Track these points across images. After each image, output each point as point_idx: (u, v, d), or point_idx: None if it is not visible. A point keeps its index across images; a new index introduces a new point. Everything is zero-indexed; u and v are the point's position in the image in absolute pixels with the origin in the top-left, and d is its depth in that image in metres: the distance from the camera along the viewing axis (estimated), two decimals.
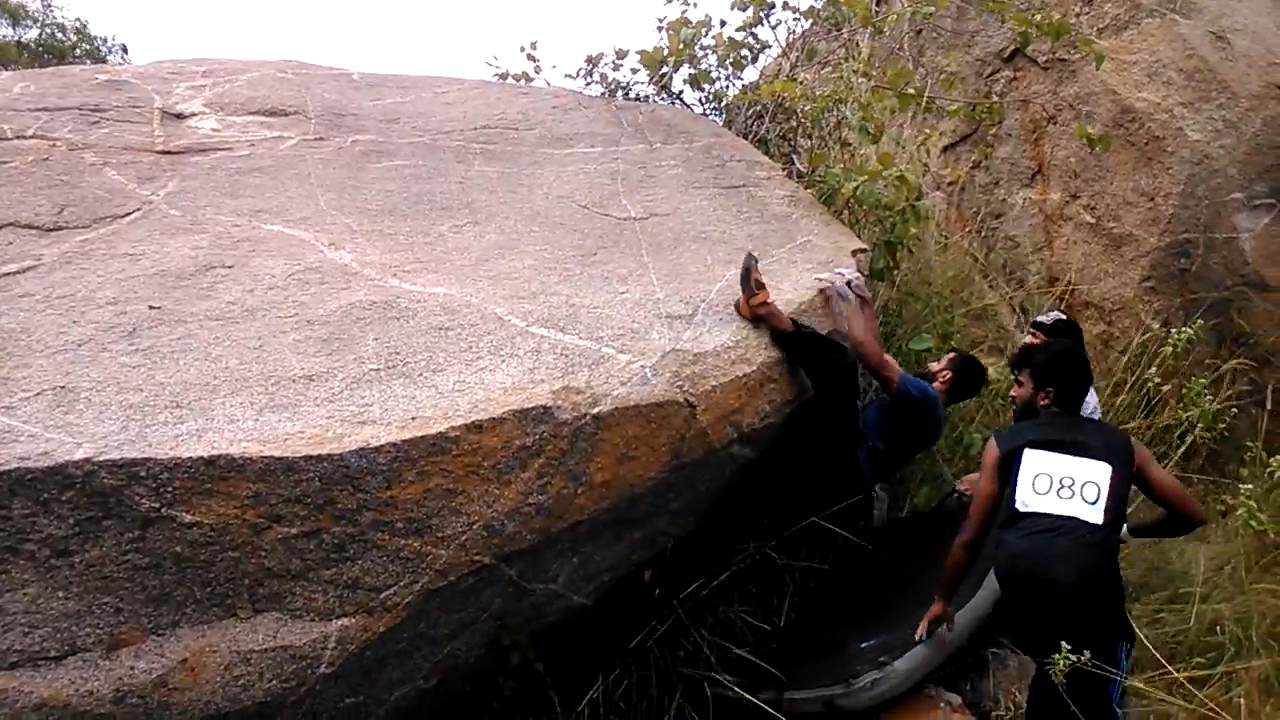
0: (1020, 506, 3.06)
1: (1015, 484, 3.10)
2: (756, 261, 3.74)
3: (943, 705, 3.33)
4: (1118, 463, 3.06)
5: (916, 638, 3.36)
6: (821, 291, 4.04)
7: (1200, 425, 5.21)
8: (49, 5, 15.21)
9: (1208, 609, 4.29)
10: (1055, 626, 2.90)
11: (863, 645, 3.59)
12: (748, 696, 3.55)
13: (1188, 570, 4.66)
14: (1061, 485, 3.00)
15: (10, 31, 14.93)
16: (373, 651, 2.89)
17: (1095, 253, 6.43)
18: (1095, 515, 2.97)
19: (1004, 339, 6.50)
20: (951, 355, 4.55)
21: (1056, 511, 2.98)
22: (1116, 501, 3.02)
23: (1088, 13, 6.47)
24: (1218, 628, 4.11)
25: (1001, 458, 3.22)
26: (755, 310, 3.70)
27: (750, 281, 3.68)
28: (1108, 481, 3.00)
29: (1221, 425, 5.22)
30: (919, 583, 3.67)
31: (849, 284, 4.00)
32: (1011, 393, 3.75)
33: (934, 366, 4.47)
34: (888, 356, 4.15)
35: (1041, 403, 3.36)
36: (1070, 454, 3.07)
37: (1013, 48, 6.86)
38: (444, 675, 3.24)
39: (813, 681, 3.50)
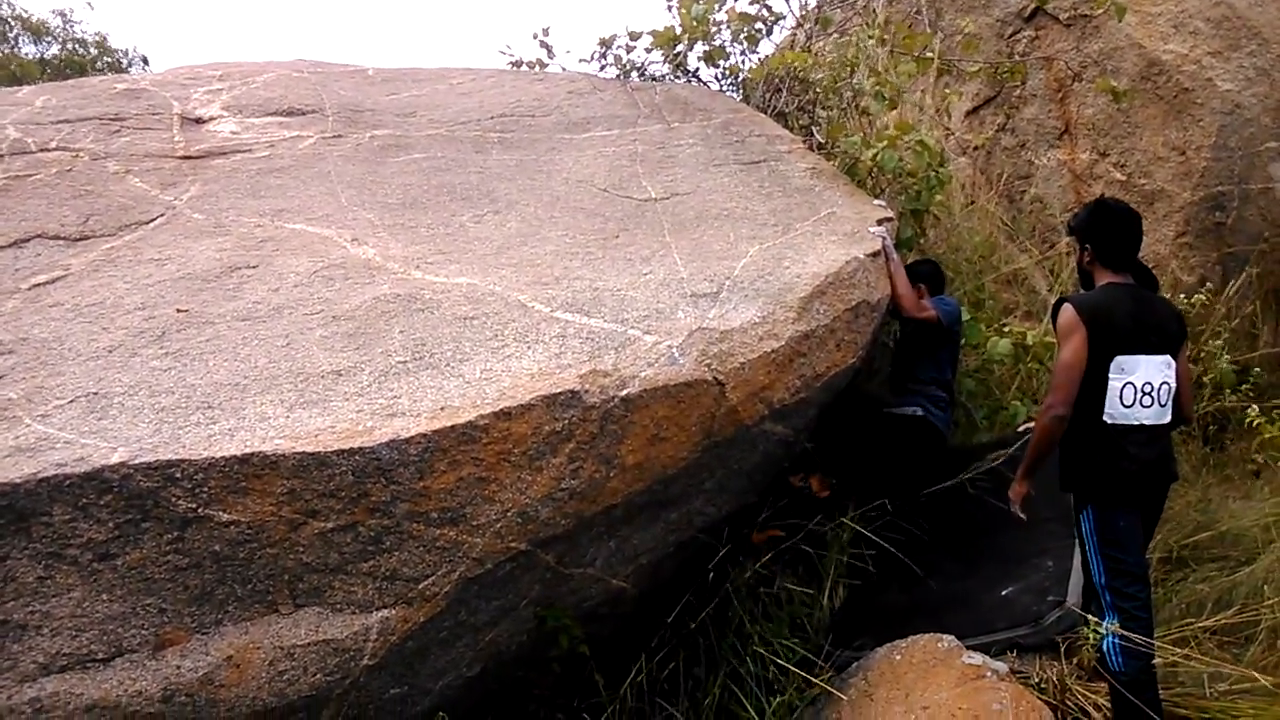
0: (1109, 419, 3.25)
1: (1105, 394, 3.25)
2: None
3: (989, 674, 3.28)
4: (1177, 353, 3.34)
5: (1017, 512, 3.51)
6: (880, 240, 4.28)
7: (1226, 387, 5.14)
8: (69, 21, 15.37)
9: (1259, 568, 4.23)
10: (1161, 499, 3.48)
11: (1004, 593, 3.80)
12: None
13: (1235, 529, 4.59)
14: (1143, 394, 3.24)
15: (33, 49, 15.11)
16: (414, 641, 2.91)
17: None
18: (1167, 416, 3.31)
19: (1036, 303, 6.40)
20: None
21: (1150, 422, 3.26)
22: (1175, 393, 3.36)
23: None
24: (1265, 586, 4.05)
25: (1089, 338, 3.26)
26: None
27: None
28: (1173, 379, 3.30)
29: (1246, 385, 5.13)
30: (1011, 530, 3.80)
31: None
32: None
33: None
34: (923, 300, 4.48)
35: (1085, 261, 3.51)
36: (1144, 353, 3.26)
37: (1033, 6, 6.73)
38: (487, 663, 3.26)
39: (987, 628, 3.74)
